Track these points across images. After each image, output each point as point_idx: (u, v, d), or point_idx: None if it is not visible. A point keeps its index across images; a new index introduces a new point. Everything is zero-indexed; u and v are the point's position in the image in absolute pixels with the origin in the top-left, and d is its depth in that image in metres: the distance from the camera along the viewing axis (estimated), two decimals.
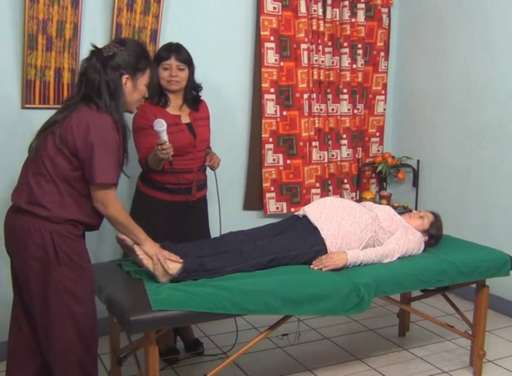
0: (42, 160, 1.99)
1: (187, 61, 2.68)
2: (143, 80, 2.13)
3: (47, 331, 2.01)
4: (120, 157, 2.06)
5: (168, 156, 2.49)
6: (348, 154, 4.06)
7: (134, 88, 2.10)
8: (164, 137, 2.45)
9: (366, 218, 2.60)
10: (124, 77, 2.06)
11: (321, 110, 3.89)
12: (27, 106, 2.85)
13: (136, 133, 2.66)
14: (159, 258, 2.17)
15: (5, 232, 2.08)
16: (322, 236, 2.51)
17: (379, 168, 4.10)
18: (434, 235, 2.80)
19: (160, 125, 2.43)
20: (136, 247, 2.18)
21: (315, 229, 2.53)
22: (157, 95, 2.71)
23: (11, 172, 2.85)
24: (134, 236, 2.16)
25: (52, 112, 2.89)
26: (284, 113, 3.72)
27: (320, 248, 2.49)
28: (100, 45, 2.99)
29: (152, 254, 2.17)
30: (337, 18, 3.87)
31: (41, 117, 2.87)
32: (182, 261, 2.22)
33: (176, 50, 2.66)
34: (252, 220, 3.68)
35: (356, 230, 2.56)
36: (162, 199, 2.72)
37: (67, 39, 2.87)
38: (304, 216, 2.65)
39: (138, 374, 2.47)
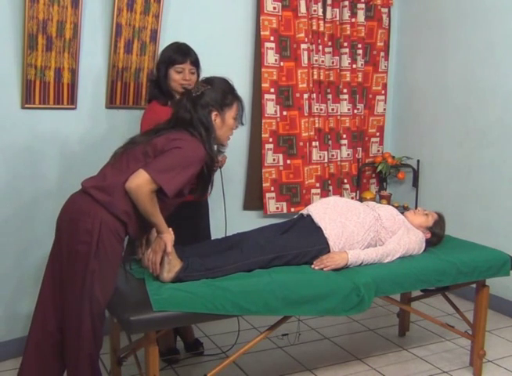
0: (127, 160, 2.11)
1: (198, 64, 2.71)
2: (231, 113, 2.26)
3: (71, 321, 2.09)
4: (186, 182, 2.14)
5: None
6: (348, 154, 4.06)
7: (222, 123, 2.24)
8: None
9: (370, 219, 2.60)
10: (213, 114, 2.20)
11: (321, 110, 3.89)
12: (26, 106, 2.85)
13: None
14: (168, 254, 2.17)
15: (62, 213, 2.15)
16: (326, 235, 2.50)
17: (379, 168, 4.10)
18: (436, 233, 2.80)
19: None
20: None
21: (319, 229, 2.53)
22: (165, 95, 2.70)
23: (11, 172, 2.86)
24: (155, 226, 2.20)
25: (52, 112, 2.96)
26: (284, 113, 3.73)
27: (322, 247, 2.48)
28: (100, 45, 3.05)
29: (161, 248, 2.17)
30: (337, 18, 3.87)
31: (41, 117, 2.91)
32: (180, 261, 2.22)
33: (190, 54, 2.68)
34: (252, 220, 3.68)
35: (360, 231, 2.55)
36: None
37: (67, 39, 2.87)
38: (308, 215, 2.65)
39: (138, 374, 2.47)
